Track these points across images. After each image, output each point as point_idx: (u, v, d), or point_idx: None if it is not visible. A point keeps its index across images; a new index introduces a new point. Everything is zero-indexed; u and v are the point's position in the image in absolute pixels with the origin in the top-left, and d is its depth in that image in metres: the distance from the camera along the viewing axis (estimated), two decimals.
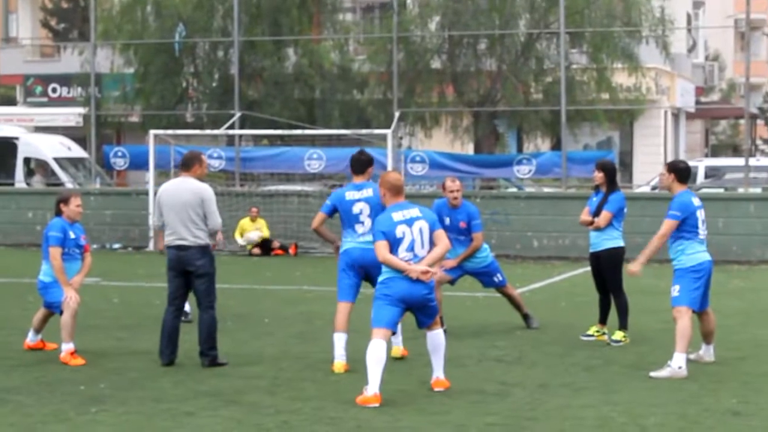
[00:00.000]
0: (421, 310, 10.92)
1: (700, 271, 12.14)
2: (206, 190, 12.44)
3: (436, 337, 11.11)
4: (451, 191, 14.74)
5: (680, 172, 12.42)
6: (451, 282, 15.21)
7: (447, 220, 14.79)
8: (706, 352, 12.73)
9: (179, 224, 12.32)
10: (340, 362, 12.21)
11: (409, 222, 10.80)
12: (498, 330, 15.26)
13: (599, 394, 11.03)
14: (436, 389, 11.05)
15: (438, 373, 11.16)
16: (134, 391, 11.12)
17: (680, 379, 11.70)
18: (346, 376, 11.85)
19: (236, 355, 12.92)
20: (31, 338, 13.53)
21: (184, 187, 12.46)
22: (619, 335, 14.03)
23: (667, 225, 12.17)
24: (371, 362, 10.54)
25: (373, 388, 10.50)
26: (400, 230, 10.78)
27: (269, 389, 11.23)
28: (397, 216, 10.83)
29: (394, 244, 10.75)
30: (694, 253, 12.15)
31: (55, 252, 12.82)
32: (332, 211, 12.58)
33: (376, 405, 10.39)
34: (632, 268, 12.45)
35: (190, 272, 12.38)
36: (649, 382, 11.66)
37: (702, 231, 12.24)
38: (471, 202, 15.23)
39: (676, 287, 12.15)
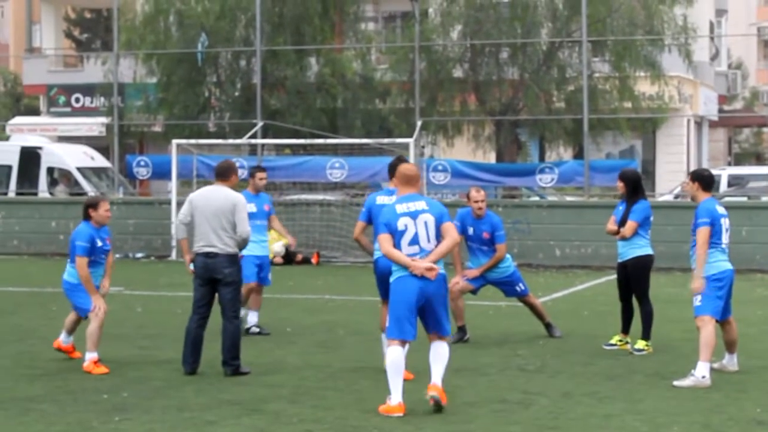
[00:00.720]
0: (434, 302, 10.45)
1: (722, 279, 12.10)
2: (239, 197, 12.54)
3: (440, 347, 10.57)
4: (476, 201, 14.76)
5: (704, 180, 12.39)
6: (473, 291, 15.21)
7: (471, 230, 14.80)
8: (730, 362, 12.68)
9: (210, 231, 12.37)
10: None
11: (413, 215, 10.50)
12: (520, 339, 15.23)
13: (622, 403, 11.00)
14: (430, 393, 10.41)
15: (437, 379, 10.49)
16: (157, 399, 11.14)
17: (704, 389, 11.66)
18: (369, 385, 11.84)
19: (259, 364, 12.93)
20: (63, 339, 13.44)
21: (218, 194, 12.52)
22: (641, 344, 13.99)
23: (702, 234, 12.04)
24: (390, 372, 10.44)
25: (396, 397, 10.42)
26: (401, 222, 10.48)
27: (292, 398, 11.24)
28: (401, 208, 10.56)
29: (396, 237, 10.49)
30: (716, 262, 12.11)
31: (82, 262, 12.80)
32: (369, 217, 12.58)
33: (400, 415, 10.37)
34: (694, 286, 12.15)
35: (218, 280, 12.41)
36: (672, 391, 11.62)
37: (725, 240, 12.20)
38: (495, 213, 15.24)
39: (698, 296, 12.11)
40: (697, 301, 12.09)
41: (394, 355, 10.44)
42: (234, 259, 12.45)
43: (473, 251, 15.01)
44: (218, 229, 12.36)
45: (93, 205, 13.10)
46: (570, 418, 10.39)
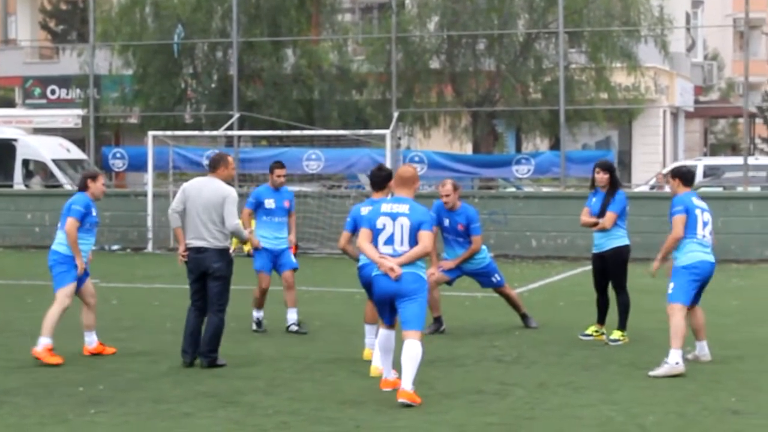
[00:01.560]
0: (403, 300, 10.55)
1: (696, 270, 12.12)
2: (230, 190, 12.47)
3: (411, 347, 10.44)
4: (441, 195, 14.77)
5: (684, 175, 12.59)
6: (449, 282, 15.20)
7: (446, 222, 14.78)
8: (701, 351, 12.71)
9: (200, 224, 12.34)
10: (369, 349, 12.47)
11: (393, 216, 10.70)
12: (497, 330, 15.25)
13: (598, 394, 11.02)
14: (400, 399, 10.41)
15: (406, 384, 10.45)
16: (133, 392, 11.11)
17: (679, 378, 11.69)
18: (345, 376, 11.85)
19: (235, 356, 12.90)
20: (87, 341, 13.27)
21: (210, 186, 12.47)
22: (617, 334, 14.02)
23: (676, 221, 12.17)
24: (380, 349, 11.12)
25: (375, 362, 11.60)
26: (381, 221, 10.72)
27: (268, 390, 11.23)
28: (385, 207, 10.81)
29: (374, 234, 10.73)
30: (692, 252, 12.16)
31: (74, 224, 12.73)
32: (354, 227, 12.46)
33: (378, 375, 11.23)
34: (653, 268, 12.39)
35: (207, 274, 12.39)
36: (647, 381, 11.65)
37: (701, 232, 12.21)
38: (470, 205, 15.22)
39: (671, 284, 12.20)
40: (670, 288, 12.17)
41: (381, 336, 10.99)
42: (224, 254, 12.43)
43: (449, 243, 14.99)
44: (208, 222, 12.33)
45: (93, 176, 13.20)
46: (546, 408, 10.41)
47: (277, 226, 15.07)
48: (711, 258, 12.31)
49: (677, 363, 11.89)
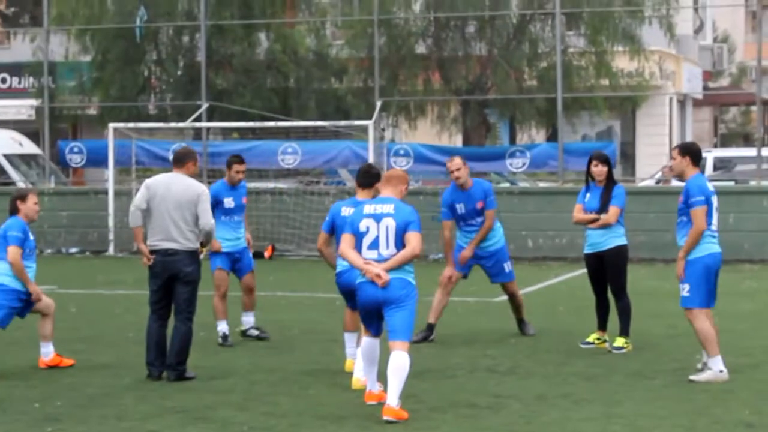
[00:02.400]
0: (389, 309, 10.57)
1: (711, 265, 12.09)
2: (203, 188, 12.47)
3: (398, 358, 10.46)
4: (451, 171, 14.76)
5: (695, 154, 12.33)
6: (465, 276, 15.19)
7: (461, 207, 14.77)
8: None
9: (171, 224, 12.26)
10: (350, 360, 12.45)
11: (377, 217, 10.69)
12: (491, 338, 15.27)
13: (601, 406, 11.05)
14: (385, 417, 10.39)
15: (391, 399, 10.43)
16: (94, 408, 11.10)
17: (688, 389, 11.73)
18: (324, 390, 11.86)
19: (205, 368, 12.90)
20: (43, 352, 13.21)
21: (180, 183, 12.40)
22: (620, 342, 14.04)
23: (698, 214, 11.98)
24: (363, 359, 11.19)
25: (356, 373, 11.61)
26: (364, 224, 10.71)
27: (241, 405, 11.22)
28: (367, 209, 10.80)
29: (357, 239, 10.73)
30: (704, 245, 12.08)
31: (17, 252, 12.72)
32: (332, 227, 12.36)
33: (360, 388, 11.34)
34: (678, 270, 12.17)
35: (176, 279, 12.34)
36: (654, 392, 11.68)
37: (715, 221, 12.20)
38: (484, 179, 15.24)
39: (686, 286, 12.07)
40: (685, 291, 12.08)
41: (365, 344, 11.05)
42: (195, 256, 12.40)
43: (464, 231, 14.98)
44: (180, 221, 12.27)
45: (21, 197, 13.14)
46: (544, 422, 10.43)
47: (236, 225, 15.10)
48: (719, 248, 12.24)
49: (721, 371, 12.01)
